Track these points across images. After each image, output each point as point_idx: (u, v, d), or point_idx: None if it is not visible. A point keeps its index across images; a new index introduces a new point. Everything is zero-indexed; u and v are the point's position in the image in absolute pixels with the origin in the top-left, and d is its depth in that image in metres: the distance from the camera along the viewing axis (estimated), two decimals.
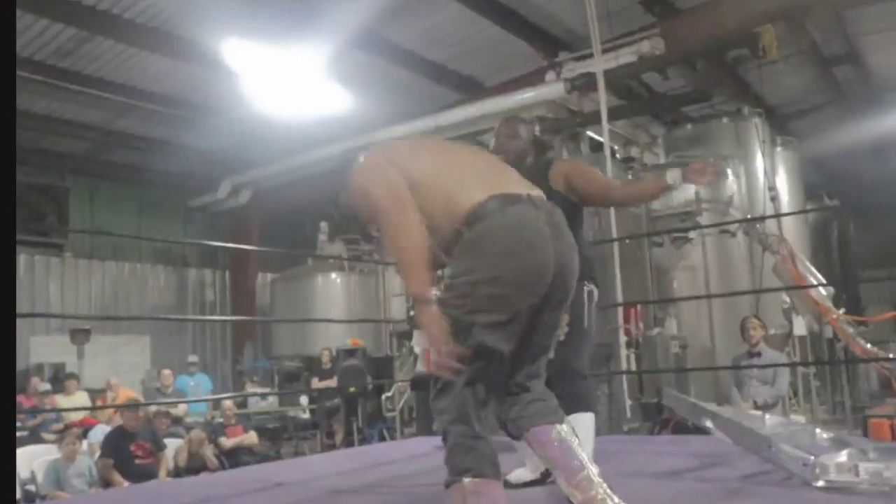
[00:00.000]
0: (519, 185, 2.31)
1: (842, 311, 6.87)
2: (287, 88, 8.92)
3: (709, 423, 3.42)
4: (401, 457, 4.72)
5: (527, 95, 9.06)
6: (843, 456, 2.94)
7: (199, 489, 3.99)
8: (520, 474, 3.21)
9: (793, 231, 9.89)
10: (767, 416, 3.89)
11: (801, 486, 2.90)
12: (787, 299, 7.28)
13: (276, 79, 8.64)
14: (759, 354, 6.15)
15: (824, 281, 7.78)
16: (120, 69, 9.52)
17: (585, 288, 3.00)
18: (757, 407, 5.94)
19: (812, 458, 2.91)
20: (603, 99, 6.64)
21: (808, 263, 6.99)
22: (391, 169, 2.34)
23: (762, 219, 7.47)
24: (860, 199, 15.27)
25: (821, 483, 2.82)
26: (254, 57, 8.18)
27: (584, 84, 8.25)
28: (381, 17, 8.44)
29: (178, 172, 12.64)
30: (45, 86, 9.43)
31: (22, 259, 11.69)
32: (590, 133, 9.38)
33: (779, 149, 10.36)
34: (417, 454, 4.82)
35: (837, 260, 14.39)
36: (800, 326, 7.45)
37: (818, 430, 3.55)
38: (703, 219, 7.64)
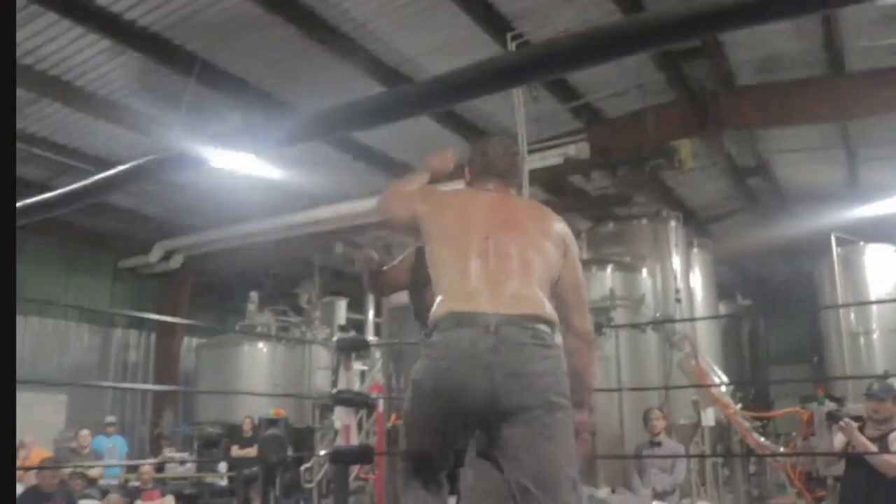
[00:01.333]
0: (503, 289, 2.54)
1: (739, 406, 7.33)
2: (226, 161, 9.17)
3: None
4: None
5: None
6: None
7: None
8: None
9: (704, 328, 10.52)
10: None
11: None
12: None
13: (217, 153, 8.87)
14: (659, 444, 6.54)
15: (725, 378, 8.30)
16: (64, 131, 9.68)
17: None
18: (656, 494, 6.31)
19: None
20: (526, 196, 7.09)
21: (709, 361, 7.48)
22: (417, 196, 2.88)
23: (674, 321, 7.97)
24: (772, 299, 16.18)
25: None
26: (198, 133, 8.41)
27: None
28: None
29: (110, 232, 12.68)
30: None
31: None
32: None
33: (695, 250, 11.07)
34: None
35: (748, 356, 15.17)
36: (708, 417, 7.89)
37: None
38: (617, 314, 8.10)
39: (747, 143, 10.01)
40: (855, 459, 4.91)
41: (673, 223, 9.63)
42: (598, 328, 7.87)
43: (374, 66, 8.15)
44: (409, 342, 7.49)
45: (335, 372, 8.22)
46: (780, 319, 16.78)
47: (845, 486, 5.22)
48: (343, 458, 5.75)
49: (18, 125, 9.43)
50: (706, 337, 10.44)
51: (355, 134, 9.80)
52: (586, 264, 8.82)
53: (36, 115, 9.30)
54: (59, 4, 7.04)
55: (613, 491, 6.08)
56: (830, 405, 6.33)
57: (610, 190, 10.00)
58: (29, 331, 12.52)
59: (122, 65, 8.14)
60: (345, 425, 6.57)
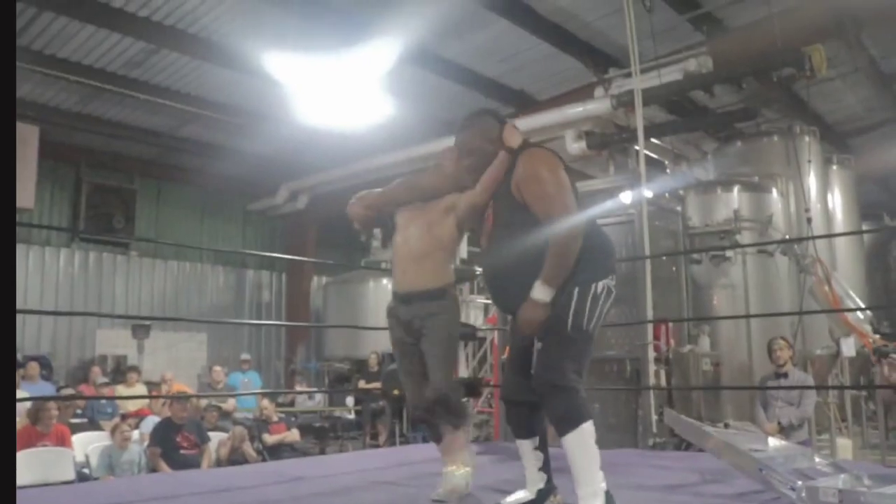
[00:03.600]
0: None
1: (877, 336, 6.76)
2: (342, 99, 9.22)
3: (706, 445, 3.50)
4: (421, 459, 4.90)
5: (575, 111, 9.15)
6: (834, 481, 3.00)
7: (227, 479, 4.25)
8: (519, 497, 3.11)
9: (845, 252, 9.77)
10: (772, 439, 3.95)
11: None
12: None
13: (332, 90, 8.94)
14: (785, 375, 6.13)
15: (861, 304, 7.66)
16: (185, 80, 10.00)
17: (567, 289, 2.85)
18: (781, 428, 5.93)
19: (800, 482, 2.98)
20: (640, 117, 6.71)
21: (844, 286, 6.91)
22: None
23: (802, 239, 7.41)
24: None
25: None
26: (310, 69, 8.49)
27: (630, 101, 8.31)
28: (433, 33, 8.71)
29: (238, 177, 13.10)
30: (117, 94, 9.97)
31: (91, 256, 12.30)
32: (637, 148, 9.43)
33: (834, 167, 10.24)
34: (437, 457, 4.99)
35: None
36: (849, 348, 7.36)
37: (818, 457, 3.60)
38: (743, 237, 7.61)
39: (893, 43, 9.02)
40: None
41: (807, 138, 8.91)
42: (721, 253, 7.49)
43: None
44: None
45: None
46: None
47: None
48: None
49: (142, 77, 9.83)
50: (848, 261, 9.72)
51: (469, 63, 9.61)
52: (710, 186, 8.33)
53: (157, 66, 9.64)
54: None
55: (727, 425, 5.76)
56: None
57: (736, 106, 9.32)
58: (169, 273, 13.27)
59: (229, 7, 8.24)
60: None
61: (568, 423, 2.76)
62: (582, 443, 2.76)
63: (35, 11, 8.15)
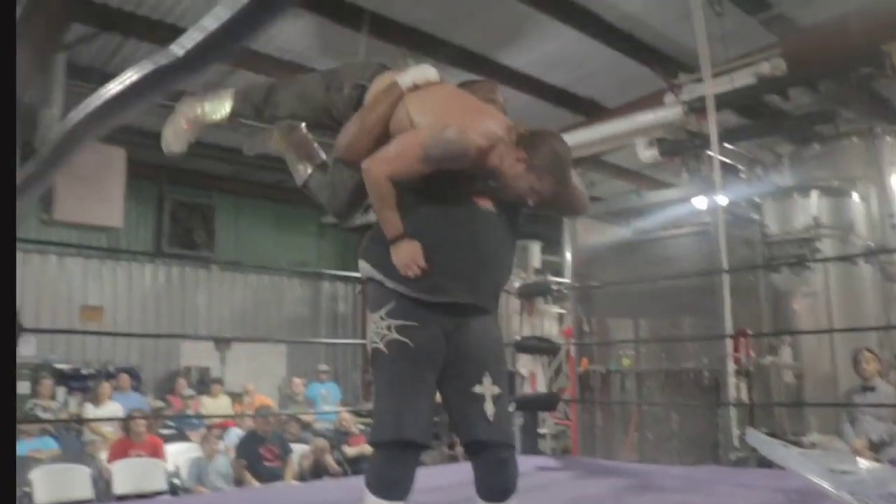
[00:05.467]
0: None
1: None
2: None
3: (791, 467, 3.45)
4: None
5: (646, 118, 9.07)
6: None
7: (314, 493, 4.39)
8: None
9: None
10: (862, 459, 3.86)
11: None
12: None
13: None
14: (872, 389, 5.95)
15: None
16: None
17: None
18: (872, 444, 5.76)
19: None
20: (713, 124, 6.64)
21: None
22: None
23: (887, 251, 7.18)
24: None
25: None
26: None
27: (702, 106, 8.21)
28: (499, 44, 8.80)
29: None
30: None
31: (174, 270, 12.78)
32: (710, 153, 9.29)
33: None
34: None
35: None
36: None
37: None
38: (823, 244, 7.42)
39: None
40: None
41: (889, 139, 8.60)
42: (802, 261, 7.32)
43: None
44: (594, 285, 7.37)
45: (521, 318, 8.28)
46: None
47: None
48: (528, 406, 5.79)
49: None
50: None
51: (536, 72, 9.64)
52: (788, 192, 8.16)
53: (234, 87, 9.94)
54: None
55: (813, 445, 5.63)
56: None
57: (812, 107, 9.09)
58: (249, 286, 13.66)
59: (301, 29, 8.48)
60: (530, 372, 6.60)
61: None
62: None
63: (121, 39, 8.53)
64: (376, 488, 2.31)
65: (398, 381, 2.41)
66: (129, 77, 1.34)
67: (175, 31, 8.60)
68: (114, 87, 1.40)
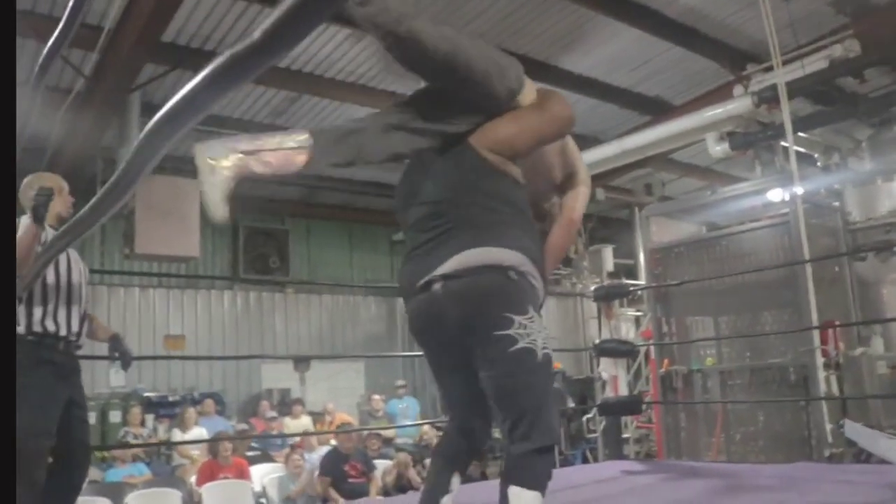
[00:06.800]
0: None
1: None
2: None
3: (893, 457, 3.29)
4: (586, 481, 4.86)
5: (715, 112, 8.87)
6: None
7: None
8: None
9: None
10: None
11: None
12: None
13: None
14: None
15: None
16: (326, 122, 10.46)
17: None
18: None
19: None
20: (786, 112, 6.42)
21: None
22: None
23: None
24: None
25: None
26: None
27: (772, 96, 7.98)
28: (561, 49, 8.75)
29: (382, 210, 13.52)
30: None
31: (251, 295, 13.05)
32: (784, 144, 9.02)
33: None
34: (603, 478, 4.93)
35: None
36: None
37: None
38: None
39: None
40: None
41: None
42: (888, 247, 7.01)
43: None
44: (672, 283, 7.19)
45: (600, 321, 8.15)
46: None
47: None
48: (611, 410, 5.67)
49: (286, 123, 10.40)
50: None
51: (599, 75, 9.54)
52: (869, 177, 7.85)
53: (299, 112, 10.16)
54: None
55: None
56: None
57: (890, 88, 8.73)
58: (324, 307, 13.84)
59: (361, 51, 8.60)
60: (612, 376, 6.47)
61: None
62: None
63: (191, 75, 8.78)
64: (544, 487, 2.32)
65: (548, 386, 2.43)
66: (208, 69, 1.35)
67: None
68: (194, 81, 1.42)
